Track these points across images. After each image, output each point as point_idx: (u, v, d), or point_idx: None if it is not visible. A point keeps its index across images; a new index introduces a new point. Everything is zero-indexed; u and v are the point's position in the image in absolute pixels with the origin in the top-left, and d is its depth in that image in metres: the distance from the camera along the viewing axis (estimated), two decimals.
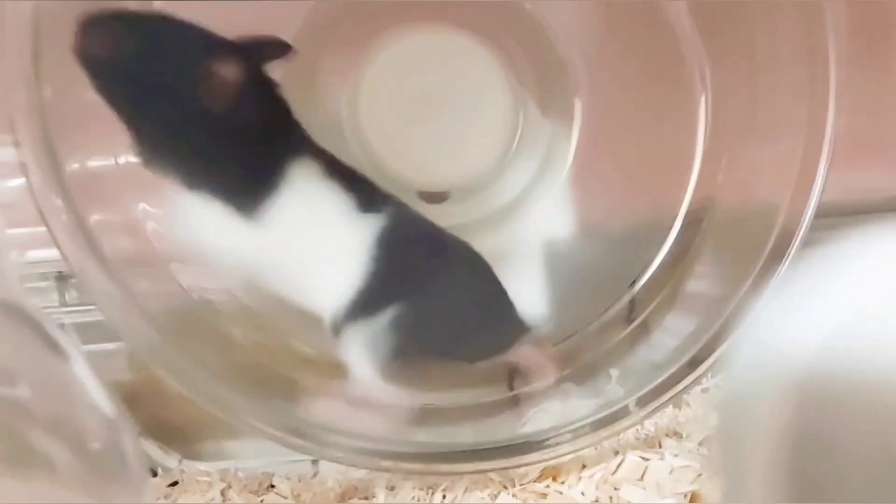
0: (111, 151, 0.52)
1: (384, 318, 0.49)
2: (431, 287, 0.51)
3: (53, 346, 0.37)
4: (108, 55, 0.45)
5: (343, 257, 0.49)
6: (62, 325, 0.55)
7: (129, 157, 0.53)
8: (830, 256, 0.29)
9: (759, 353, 0.28)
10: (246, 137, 0.47)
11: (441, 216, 0.58)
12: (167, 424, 0.59)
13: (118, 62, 0.45)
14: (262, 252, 0.48)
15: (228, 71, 0.46)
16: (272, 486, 0.55)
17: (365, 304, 0.49)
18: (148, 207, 0.53)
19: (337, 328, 0.50)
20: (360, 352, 0.49)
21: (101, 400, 0.35)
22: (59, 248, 0.47)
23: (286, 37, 0.55)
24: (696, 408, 0.57)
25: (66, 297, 0.58)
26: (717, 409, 0.30)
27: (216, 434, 0.60)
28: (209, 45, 0.46)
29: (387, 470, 0.51)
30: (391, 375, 0.51)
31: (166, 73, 0.46)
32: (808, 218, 0.49)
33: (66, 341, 0.36)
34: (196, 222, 0.48)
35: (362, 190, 0.50)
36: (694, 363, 0.52)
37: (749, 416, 0.27)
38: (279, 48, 0.48)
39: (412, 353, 0.50)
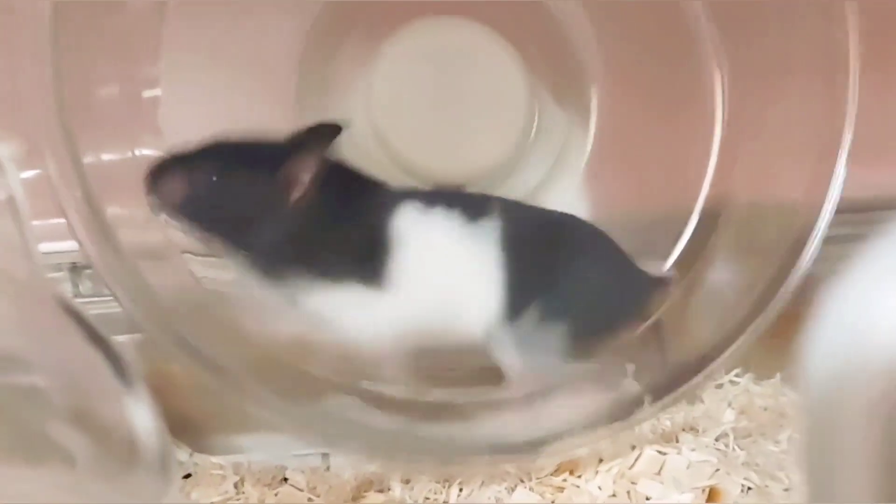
0: (126, 145, 0.53)
1: (532, 314, 0.49)
2: (563, 270, 0.51)
3: (80, 333, 0.37)
4: (183, 197, 0.47)
5: (477, 273, 0.49)
6: None
7: (143, 150, 0.53)
8: None
9: (845, 337, 0.27)
10: (339, 217, 0.48)
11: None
12: (177, 418, 0.59)
13: (197, 200, 0.47)
14: (403, 309, 0.49)
15: (302, 173, 0.47)
16: (285, 480, 0.55)
17: (511, 308, 0.49)
18: None
19: (491, 338, 0.50)
20: (515, 353, 0.50)
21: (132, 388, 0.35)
22: (77, 239, 0.47)
23: (301, 30, 0.56)
24: (710, 404, 0.57)
25: (80, 287, 0.58)
26: (800, 399, 0.29)
27: (226, 428, 0.60)
28: (273, 155, 0.47)
29: (403, 461, 0.51)
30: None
31: (245, 195, 0.48)
32: (827, 215, 0.49)
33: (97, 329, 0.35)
34: (332, 309, 0.48)
35: (462, 202, 0.51)
36: (709, 359, 0.52)
37: (840, 406, 0.27)
38: (332, 129, 0.48)
39: (562, 339, 0.50)
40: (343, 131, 0.47)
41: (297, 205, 0.47)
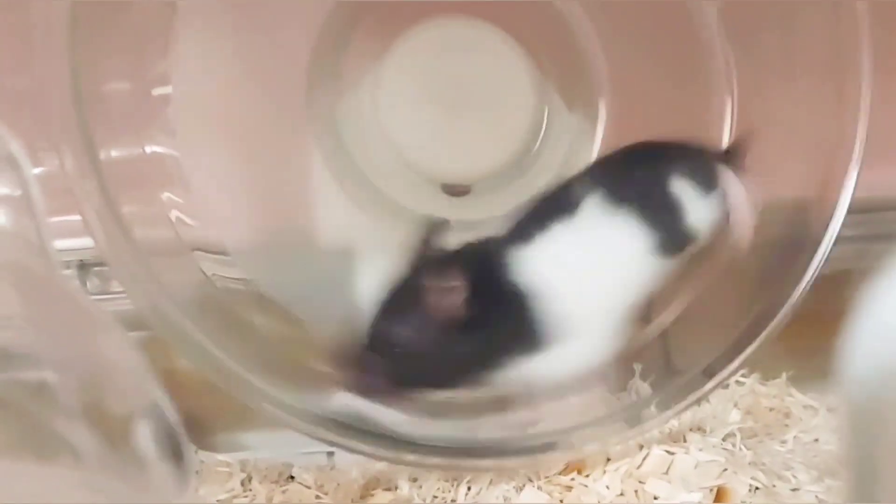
0: (137, 142, 0.53)
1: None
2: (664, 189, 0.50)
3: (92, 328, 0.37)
4: (383, 386, 0.48)
5: (620, 246, 0.49)
6: None
7: (154, 147, 0.54)
8: None
9: (885, 337, 0.27)
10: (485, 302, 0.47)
11: (464, 210, 0.58)
12: (182, 416, 0.59)
13: (393, 380, 0.48)
14: (586, 341, 0.49)
15: (454, 290, 0.46)
16: (292, 477, 0.55)
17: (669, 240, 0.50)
18: (172, 196, 0.54)
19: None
20: None
21: (144, 384, 0.35)
22: (92, 235, 0.47)
23: (312, 28, 0.56)
24: (716, 404, 0.57)
25: (88, 285, 0.58)
26: (840, 400, 0.29)
27: (231, 426, 0.60)
28: (415, 284, 0.47)
29: (409, 464, 0.51)
30: None
31: (418, 347, 0.47)
32: (840, 217, 0.49)
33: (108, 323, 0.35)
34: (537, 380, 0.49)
35: (547, 212, 0.50)
36: (717, 365, 0.51)
37: (884, 407, 0.26)
38: (441, 225, 0.50)
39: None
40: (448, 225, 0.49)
41: (457, 312, 0.46)
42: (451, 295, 0.46)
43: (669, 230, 0.50)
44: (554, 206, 0.50)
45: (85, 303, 0.43)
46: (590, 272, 0.49)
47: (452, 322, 0.47)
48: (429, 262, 0.48)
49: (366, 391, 0.48)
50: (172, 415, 0.36)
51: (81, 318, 0.39)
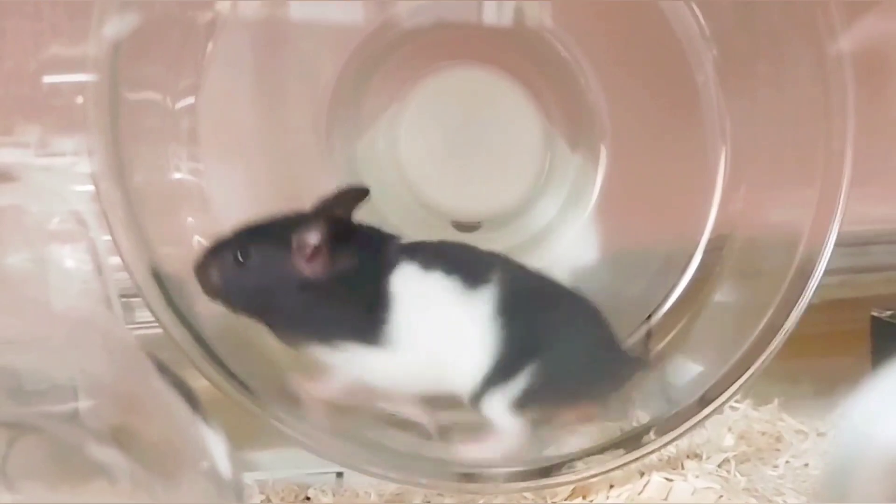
0: (165, 166, 0.56)
1: (521, 378, 0.51)
2: (552, 340, 0.52)
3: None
4: (219, 285, 0.50)
5: (468, 337, 0.51)
6: None
7: (180, 174, 0.56)
8: None
9: (856, 440, 0.30)
10: (349, 281, 0.50)
11: (473, 244, 0.61)
12: None
13: (229, 285, 0.50)
14: (399, 366, 0.51)
15: (311, 237, 0.49)
16: (308, 499, 0.57)
17: (501, 371, 0.51)
18: (193, 221, 0.56)
19: (476, 398, 0.52)
20: (504, 412, 0.52)
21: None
22: (123, 261, 0.50)
23: (332, 72, 0.59)
24: (711, 429, 0.60)
25: None
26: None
27: (243, 446, 0.62)
28: (293, 227, 0.50)
29: (419, 486, 0.54)
30: None
31: (266, 271, 0.50)
32: (829, 247, 0.52)
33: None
34: (341, 366, 0.51)
35: (461, 266, 0.52)
36: (712, 394, 0.54)
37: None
38: (357, 193, 0.51)
39: (545, 403, 0.53)
40: (368, 196, 0.51)
41: (314, 271, 0.50)
42: (313, 252, 0.49)
43: None
44: (466, 264, 0.52)
45: (122, 334, 0.46)
46: (437, 329, 0.51)
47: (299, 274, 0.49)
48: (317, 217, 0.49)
49: (202, 285, 0.50)
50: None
51: (119, 348, 0.41)
